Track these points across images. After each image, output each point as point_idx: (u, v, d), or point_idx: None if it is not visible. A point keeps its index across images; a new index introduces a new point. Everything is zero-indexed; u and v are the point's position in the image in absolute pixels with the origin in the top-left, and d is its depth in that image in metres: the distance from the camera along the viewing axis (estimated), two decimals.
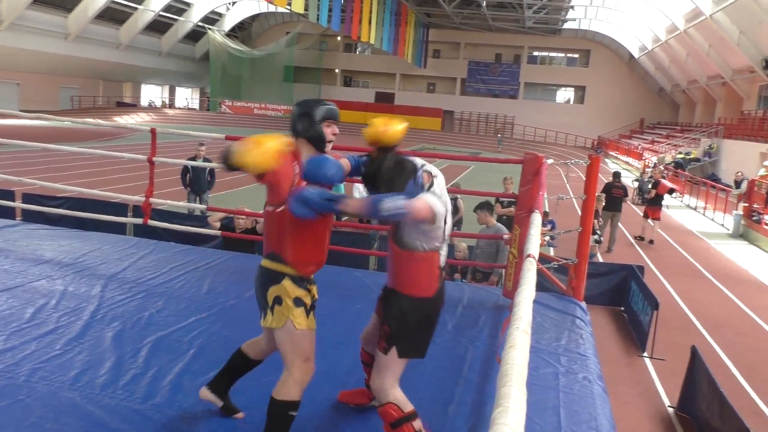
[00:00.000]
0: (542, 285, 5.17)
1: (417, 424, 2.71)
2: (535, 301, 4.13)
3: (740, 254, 13.66)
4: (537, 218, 2.71)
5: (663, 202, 14.59)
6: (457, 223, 9.96)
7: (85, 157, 20.03)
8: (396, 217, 2.44)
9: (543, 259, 5.51)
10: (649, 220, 14.10)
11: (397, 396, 2.71)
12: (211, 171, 10.04)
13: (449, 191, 2.85)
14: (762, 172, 19.54)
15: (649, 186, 15.20)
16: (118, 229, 7.96)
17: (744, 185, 18.47)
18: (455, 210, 9.81)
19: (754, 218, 15.59)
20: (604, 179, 17.81)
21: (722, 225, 17.36)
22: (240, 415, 2.99)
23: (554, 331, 4.61)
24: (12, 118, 28.78)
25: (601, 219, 11.68)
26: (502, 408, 0.86)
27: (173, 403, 3.08)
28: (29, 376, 3.19)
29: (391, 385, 2.73)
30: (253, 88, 51.99)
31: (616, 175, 13.43)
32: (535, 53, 50.50)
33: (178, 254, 5.77)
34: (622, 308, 8.63)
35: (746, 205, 16.48)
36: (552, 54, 50.36)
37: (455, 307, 4.98)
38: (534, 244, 2.15)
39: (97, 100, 48.44)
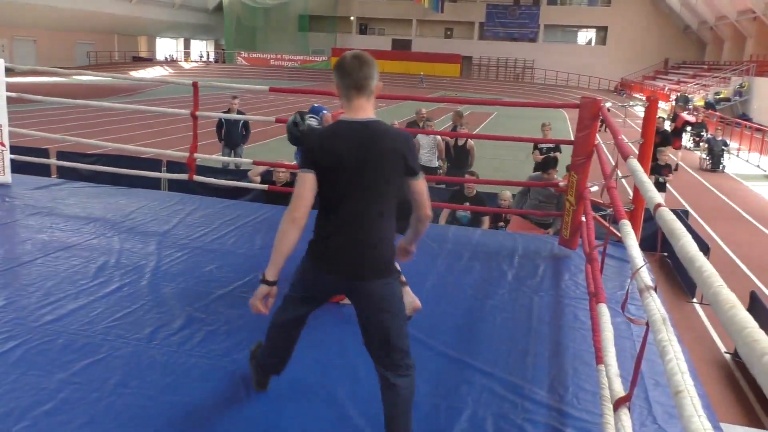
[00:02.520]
0: (599, 232, 5.04)
1: None
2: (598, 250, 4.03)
3: None
4: (634, 163, 2.55)
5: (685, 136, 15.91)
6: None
7: (107, 113, 19.90)
8: None
9: (596, 207, 5.36)
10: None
11: None
12: (245, 124, 9.85)
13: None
14: None
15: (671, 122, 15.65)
16: (152, 184, 7.84)
17: None
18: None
19: None
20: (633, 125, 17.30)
21: (758, 166, 16.97)
22: None
23: (617, 279, 4.52)
24: (51, 75, 28.62)
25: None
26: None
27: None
28: (105, 335, 3.18)
29: None
30: (268, 38, 51.34)
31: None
32: None
33: (224, 210, 5.70)
34: (666, 254, 8.49)
35: None
36: None
37: (511, 256, 4.89)
38: (653, 190, 2.00)
39: (113, 55, 48.08)
